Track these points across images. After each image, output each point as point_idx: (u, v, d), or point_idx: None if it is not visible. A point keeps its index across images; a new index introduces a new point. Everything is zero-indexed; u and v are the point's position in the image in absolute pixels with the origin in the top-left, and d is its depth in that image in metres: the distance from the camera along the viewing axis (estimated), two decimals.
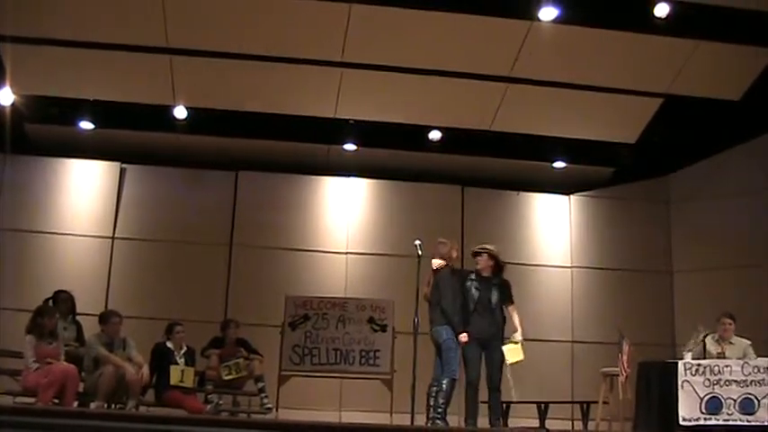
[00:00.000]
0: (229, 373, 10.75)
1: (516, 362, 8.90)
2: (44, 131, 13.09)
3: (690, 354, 9.88)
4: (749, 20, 10.90)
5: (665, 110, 12.77)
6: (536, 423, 11.64)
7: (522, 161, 13.88)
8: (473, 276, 9.10)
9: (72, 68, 11.83)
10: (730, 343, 9.96)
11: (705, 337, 9.96)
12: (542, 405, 11.86)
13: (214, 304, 13.02)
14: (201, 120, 12.74)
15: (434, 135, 13.23)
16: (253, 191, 13.73)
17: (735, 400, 9.11)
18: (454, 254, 9.16)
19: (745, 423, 8.99)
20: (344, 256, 13.82)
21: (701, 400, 9.25)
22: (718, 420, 9.11)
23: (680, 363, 9.55)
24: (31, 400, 8.79)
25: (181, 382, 9.97)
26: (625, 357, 10.44)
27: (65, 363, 9.04)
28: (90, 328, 10.23)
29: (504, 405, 11.06)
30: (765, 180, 13.34)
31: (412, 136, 13.19)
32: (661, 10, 10.69)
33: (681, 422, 9.23)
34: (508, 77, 12.21)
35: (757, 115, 12.73)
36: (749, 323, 11.06)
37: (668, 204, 14.49)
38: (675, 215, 14.40)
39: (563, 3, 10.75)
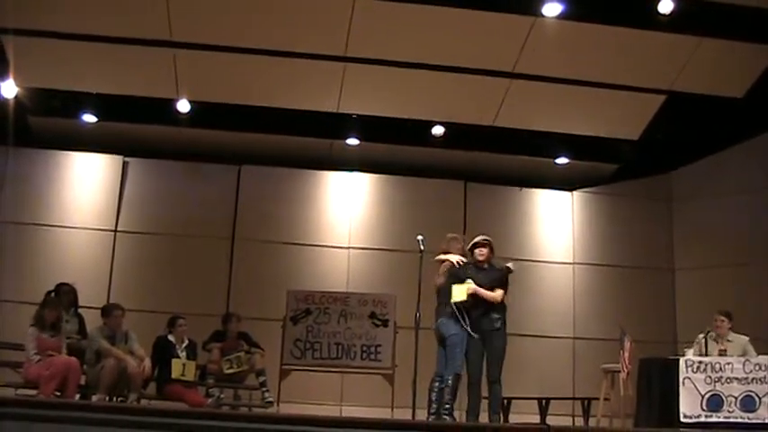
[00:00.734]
0: (231, 367, 10.75)
1: (458, 299, 8.72)
2: (47, 124, 13.09)
3: (691, 351, 9.89)
4: (753, 17, 10.88)
5: (667, 107, 12.76)
6: (537, 419, 11.64)
7: (524, 157, 13.87)
8: (471, 268, 9.01)
9: (75, 61, 11.84)
10: (728, 340, 9.96)
11: (706, 335, 9.97)
12: (543, 401, 11.87)
13: (216, 298, 13.03)
14: (204, 113, 12.74)
15: (437, 130, 13.22)
16: (255, 185, 13.74)
17: (736, 398, 9.12)
18: (464, 250, 9.13)
19: (746, 420, 9.00)
20: (347, 250, 13.83)
21: (702, 397, 9.25)
22: (719, 418, 9.12)
23: (681, 360, 9.56)
24: (33, 392, 8.81)
25: (182, 375, 9.99)
26: (626, 354, 10.45)
27: (66, 355, 9.05)
28: (92, 320, 10.25)
29: (505, 401, 11.08)
30: (767, 178, 13.32)
31: (415, 131, 13.19)
32: (665, 6, 10.67)
33: (682, 419, 9.23)
34: (511, 73, 12.20)
35: (760, 113, 12.72)
36: (750, 321, 11.08)
37: (670, 202, 14.50)
38: (677, 212, 14.41)
39: None
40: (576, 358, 13.78)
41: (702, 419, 9.17)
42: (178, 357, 10.07)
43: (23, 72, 11.82)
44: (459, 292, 8.63)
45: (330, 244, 13.82)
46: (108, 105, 12.59)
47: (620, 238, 14.32)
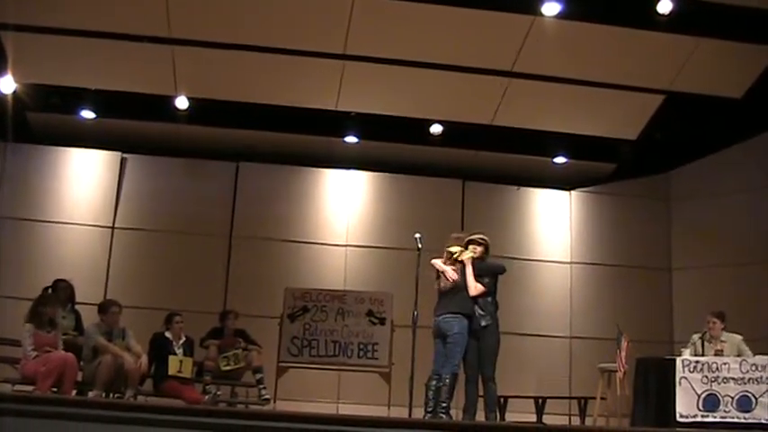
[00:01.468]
0: (228, 364, 10.76)
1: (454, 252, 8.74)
2: (45, 120, 13.08)
3: (687, 351, 9.90)
4: (752, 18, 10.89)
5: (666, 107, 12.77)
6: (533, 418, 11.66)
7: (522, 156, 13.87)
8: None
9: (74, 57, 11.83)
10: (722, 341, 9.97)
11: (702, 336, 9.98)
12: (540, 400, 11.89)
13: (213, 295, 13.03)
14: (203, 110, 12.74)
15: (436, 129, 13.23)
16: (253, 182, 13.75)
17: (732, 398, 9.13)
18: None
19: (743, 420, 9.01)
20: (344, 248, 13.83)
21: (699, 397, 9.27)
22: (715, 417, 9.13)
23: (678, 359, 9.58)
24: (30, 388, 8.79)
25: (179, 372, 9.98)
26: (623, 353, 10.46)
27: (63, 351, 9.05)
28: (89, 317, 10.24)
29: (502, 399, 11.09)
30: (765, 178, 13.33)
31: (413, 129, 13.19)
32: (664, 6, 10.68)
33: (678, 419, 9.25)
34: (510, 72, 12.21)
35: (759, 113, 12.72)
36: (747, 321, 11.10)
37: (668, 201, 14.50)
38: (675, 212, 14.41)
39: None
40: (573, 357, 13.79)
41: (699, 419, 9.19)
42: (175, 354, 10.06)
43: (22, 68, 11.81)
44: (461, 251, 8.65)
45: (328, 242, 13.82)
46: (106, 102, 12.59)
47: (617, 237, 14.33)
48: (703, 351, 9.85)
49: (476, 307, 8.70)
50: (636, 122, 13.20)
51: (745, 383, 9.14)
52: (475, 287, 8.68)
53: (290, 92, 12.52)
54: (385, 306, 11.97)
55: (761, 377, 9.09)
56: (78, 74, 12.19)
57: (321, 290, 12.23)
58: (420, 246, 9.08)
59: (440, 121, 13.17)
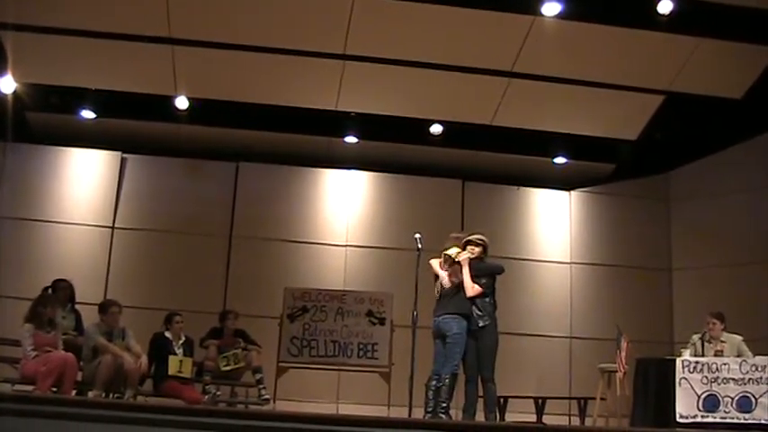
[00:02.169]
0: (227, 364, 10.76)
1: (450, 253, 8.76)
2: (45, 120, 13.08)
3: (687, 352, 9.90)
4: (752, 18, 10.89)
5: (666, 107, 12.77)
6: (533, 418, 11.66)
7: (522, 156, 13.87)
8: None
9: (74, 57, 11.84)
10: (721, 341, 9.97)
11: (702, 336, 9.98)
12: (540, 400, 11.89)
13: (213, 295, 13.03)
14: (203, 110, 12.74)
15: (436, 129, 13.23)
16: (253, 182, 13.75)
17: (732, 398, 9.14)
18: None
19: (743, 421, 9.01)
20: (344, 248, 13.83)
21: (699, 397, 9.27)
22: (715, 418, 9.14)
23: (678, 360, 9.58)
24: (30, 388, 8.79)
25: (179, 372, 9.98)
26: (623, 354, 10.47)
27: (63, 351, 9.05)
28: (89, 317, 10.24)
29: (502, 400, 11.09)
30: (765, 178, 13.33)
31: (413, 129, 13.19)
32: (664, 7, 10.68)
33: (678, 419, 9.25)
34: (510, 72, 12.21)
35: (759, 114, 12.73)
36: (747, 321, 11.10)
37: (668, 202, 14.50)
38: (675, 212, 14.41)
39: None
40: (573, 358, 13.79)
41: (699, 420, 9.19)
42: (175, 354, 10.07)
43: (21, 67, 11.81)
44: (457, 253, 8.65)
45: (327, 242, 13.82)
46: (106, 102, 12.59)
47: (617, 237, 14.33)
48: (703, 351, 9.85)
49: (474, 307, 8.71)
50: (636, 123, 13.20)
51: (745, 384, 9.14)
52: (472, 288, 8.69)
53: (289, 92, 12.53)
54: (385, 306, 11.96)
55: (761, 378, 9.10)
56: (78, 74, 12.19)
57: (321, 290, 12.22)
58: (420, 246, 9.08)
59: (440, 122, 13.17)
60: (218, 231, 13.54)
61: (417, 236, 9.11)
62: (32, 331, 9.01)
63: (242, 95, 12.67)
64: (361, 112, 12.99)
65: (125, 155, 13.52)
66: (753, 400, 9.04)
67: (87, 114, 12.90)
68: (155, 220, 13.37)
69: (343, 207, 13.99)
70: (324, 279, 13.27)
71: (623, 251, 14.24)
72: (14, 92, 12.12)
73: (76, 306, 10.41)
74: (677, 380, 9.42)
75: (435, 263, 8.93)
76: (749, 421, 8.99)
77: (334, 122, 13.12)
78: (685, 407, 9.29)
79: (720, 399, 9.19)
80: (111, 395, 9.31)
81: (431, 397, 8.57)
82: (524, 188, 14.48)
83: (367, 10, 11.10)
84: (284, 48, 11.78)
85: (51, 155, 13.30)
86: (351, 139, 13.54)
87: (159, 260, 13.21)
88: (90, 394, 9.09)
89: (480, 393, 8.78)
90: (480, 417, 8.82)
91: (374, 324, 11.91)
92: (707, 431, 9.01)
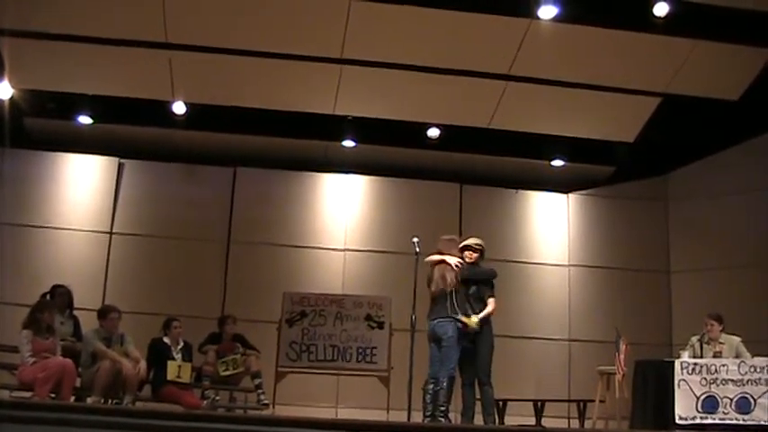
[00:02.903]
0: (226, 369, 10.76)
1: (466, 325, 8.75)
2: (42, 125, 13.09)
3: (686, 354, 9.90)
4: (748, 20, 10.91)
5: (663, 109, 12.78)
6: (532, 421, 11.66)
7: (520, 159, 13.89)
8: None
9: (71, 63, 11.84)
10: (720, 342, 9.96)
11: (701, 338, 9.99)
12: (539, 403, 11.89)
13: (211, 300, 13.02)
14: (200, 115, 12.74)
15: (433, 132, 13.23)
16: (251, 187, 13.74)
17: (731, 400, 9.14)
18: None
19: (741, 422, 9.02)
20: (342, 252, 13.82)
21: (698, 399, 9.28)
22: (714, 419, 9.15)
23: (676, 362, 9.59)
24: (28, 394, 8.78)
25: (178, 377, 9.96)
26: (622, 356, 10.47)
27: (61, 357, 9.04)
28: (87, 322, 10.23)
29: (501, 402, 11.09)
30: (763, 180, 13.34)
31: (410, 133, 13.20)
32: (660, 9, 10.70)
33: (677, 421, 9.26)
34: (507, 75, 12.21)
35: (755, 115, 12.75)
36: (746, 322, 11.09)
37: (666, 203, 14.51)
38: (673, 214, 14.42)
39: (562, 1, 10.75)
40: (572, 360, 13.79)
41: (698, 421, 9.20)
42: (173, 359, 10.05)
43: (19, 73, 11.81)
44: (472, 323, 8.66)
45: (326, 246, 13.81)
46: (103, 107, 12.59)
47: (615, 240, 14.33)
48: (702, 353, 9.86)
49: (469, 311, 8.73)
50: (633, 125, 13.21)
51: (743, 385, 9.15)
52: (492, 311, 8.84)
53: (287, 96, 12.53)
54: (383, 310, 11.97)
55: (759, 378, 9.10)
56: (75, 79, 12.19)
57: (319, 294, 12.22)
58: (418, 250, 9.08)
59: (437, 125, 13.17)
60: (216, 236, 13.54)
61: (415, 239, 9.10)
62: (30, 337, 9.00)
63: (239, 100, 12.67)
64: (359, 115, 12.99)
65: (122, 160, 13.52)
66: (752, 400, 9.05)
67: (84, 120, 12.89)
68: (152, 225, 13.36)
69: (341, 211, 13.99)
70: (322, 283, 13.26)
71: (622, 253, 14.24)
72: (12, 97, 12.12)
73: (75, 312, 10.40)
74: (676, 381, 9.42)
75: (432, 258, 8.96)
76: (748, 422, 9.00)
77: (332, 126, 13.12)
78: (684, 408, 9.29)
79: (719, 400, 9.20)
80: (109, 401, 9.31)
81: (429, 401, 8.58)
82: (522, 191, 14.48)
83: (364, 14, 11.10)
84: (281, 52, 11.79)
85: (49, 160, 13.29)
86: (348, 143, 13.55)
87: (157, 265, 13.20)
88: (89, 400, 9.09)
89: (478, 396, 8.79)
90: (479, 420, 8.82)
91: (373, 328, 11.92)
92: None
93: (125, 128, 13.12)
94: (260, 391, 10.75)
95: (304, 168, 13.93)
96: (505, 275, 9.18)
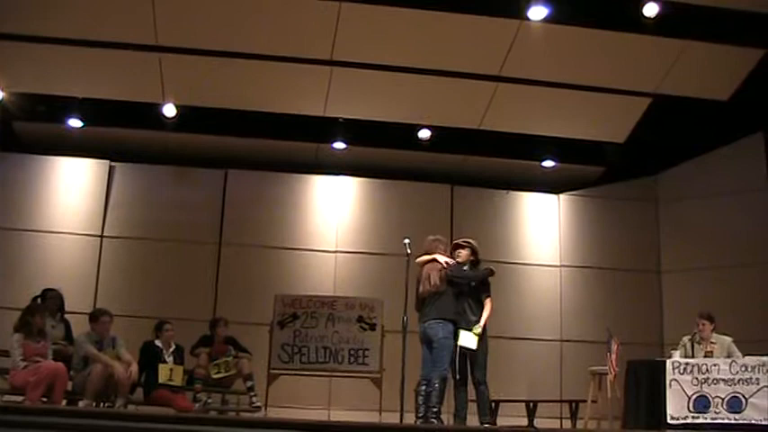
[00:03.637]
0: (218, 372, 10.74)
1: (466, 347, 8.75)
2: (33, 129, 13.06)
3: (677, 353, 9.92)
4: (738, 20, 10.93)
5: (653, 109, 12.81)
6: (525, 422, 11.66)
7: (511, 160, 13.91)
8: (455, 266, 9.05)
9: (61, 66, 11.81)
10: (711, 342, 9.98)
11: (692, 338, 10.01)
12: (531, 404, 11.90)
13: (203, 302, 13.01)
14: (191, 118, 12.72)
15: (424, 134, 13.23)
16: (242, 189, 13.73)
17: (722, 399, 9.16)
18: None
19: (733, 421, 9.03)
20: (333, 254, 13.82)
21: (689, 398, 9.29)
22: (705, 419, 9.16)
23: (668, 361, 9.60)
24: (20, 398, 8.76)
25: (170, 380, 9.95)
26: (613, 356, 10.47)
27: (53, 361, 9.01)
28: (78, 326, 10.20)
29: (493, 403, 11.08)
30: (753, 180, 13.38)
31: (401, 134, 13.20)
32: (650, 10, 10.70)
33: (669, 421, 9.27)
34: (498, 76, 12.22)
35: (745, 115, 12.79)
36: (737, 323, 11.11)
37: (657, 204, 14.54)
38: (664, 214, 14.45)
39: (552, 2, 10.75)
40: (564, 361, 13.80)
41: (689, 421, 9.21)
42: (165, 362, 10.03)
43: (8, 77, 11.78)
44: (469, 340, 8.65)
45: (317, 248, 13.81)
46: (94, 110, 12.56)
47: (606, 240, 14.35)
48: (693, 353, 9.88)
49: (468, 312, 8.74)
50: (623, 125, 13.23)
51: (735, 384, 9.16)
52: (489, 314, 8.83)
53: (277, 98, 12.52)
54: (375, 312, 11.98)
55: (751, 378, 9.12)
56: (65, 82, 12.16)
57: (311, 296, 12.22)
58: (409, 251, 9.08)
59: (428, 126, 13.17)
60: (208, 239, 13.52)
61: (406, 241, 9.10)
62: (21, 341, 8.97)
63: (230, 102, 12.66)
64: (349, 117, 12.99)
65: (113, 163, 13.50)
66: (743, 400, 9.06)
67: (75, 123, 12.86)
68: (143, 228, 13.35)
69: (333, 213, 13.99)
70: (314, 285, 13.26)
71: (612, 254, 14.26)
72: (1, 101, 12.08)
73: (66, 315, 10.37)
74: (668, 381, 9.43)
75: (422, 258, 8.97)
76: (739, 422, 9.01)
77: (323, 128, 13.12)
78: (676, 408, 9.30)
79: (711, 399, 9.21)
80: (101, 404, 9.29)
81: (421, 402, 8.58)
82: (513, 192, 14.50)
83: (354, 16, 11.10)
84: (271, 54, 11.78)
85: (39, 164, 13.26)
86: (339, 145, 13.55)
87: (148, 268, 13.18)
88: (80, 404, 9.05)
89: (471, 397, 8.78)
90: (472, 421, 8.82)
91: (365, 330, 11.93)
92: None
93: (115, 131, 13.10)
94: (252, 393, 10.73)
95: (295, 170, 13.93)
96: (497, 276, 9.14)
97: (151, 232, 13.33)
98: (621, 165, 14.05)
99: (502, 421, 11.44)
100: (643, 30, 11.08)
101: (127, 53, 11.59)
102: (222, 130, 13.09)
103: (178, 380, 10.09)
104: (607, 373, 10.67)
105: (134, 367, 9.50)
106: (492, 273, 9.07)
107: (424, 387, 8.60)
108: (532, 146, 13.49)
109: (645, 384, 9.76)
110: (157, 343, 10.19)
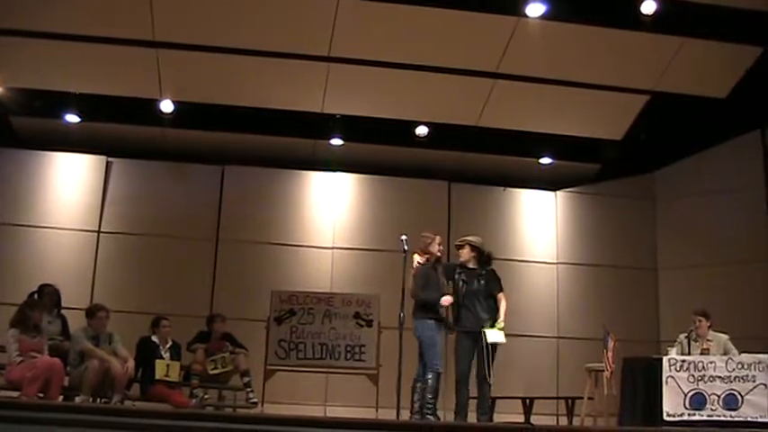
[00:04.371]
0: (215, 368, 10.73)
1: (497, 342, 8.83)
2: (30, 124, 13.04)
3: (674, 351, 9.94)
4: (736, 18, 10.94)
5: (651, 107, 12.81)
6: (521, 418, 11.67)
7: (508, 157, 13.90)
8: (458, 270, 9.12)
9: (58, 61, 11.78)
10: (708, 339, 10.00)
11: (689, 335, 10.02)
12: (527, 400, 11.92)
13: (200, 298, 13.00)
14: (188, 114, 12.71)
15: (421, 130, 13.22)
16: (239, 185, 13.73)
17: (718, 396, 9.18)
18: (435, 248, 9.10)
19: (729, 419, 9.05)
20: (330, 250, 13.82)
21: (685, 395, 9.30)
22: (701, 416, 9.18)
23: (664, 359, 9.61)
24: (16, 393, 8.76)
25: (166, 376, 9.95)
26: (610, 353, 10.50)
27: (49, 356, 9.01)
28: (75, 321, 10.20)
29: (490, 400, 11.09)
30: (750, 178, 13.40)
31: (399, 131, 13.19)
32: (648, 7, 10.71)
33: (665, 418, 9.28)
34: (495, 73, 12.22)
35: (743, 113, 12.79)
36: (733, 320, 11.13)
37: (654, 201, 14.55)
38: (661, 212, 14.46)
39: None
40: (560, 358, 13.82)
41: (685, 418, 9.23)
42: (162, 358, 10.04)
43: (5, 72, 11.77)
44: (497, 336, 8.73)
45: (314, 244, 13.81)
46: (91, 105, 12.54)
47: (603, 237, 14.37)
48: (690, 350, 9.90)
49: (478, 309, 8.81)
50: (621, 123, 13.24)
51: (731, 382, 9.18)
52: (505, 310, 8.95)
53: (274, 94, 12.51)
54: (372, 308, 11.98)
55: (747, 375, 9.14)
56: (62, 77, 12.14)
57: (308, 292, 12.22)
58: (406, 248, 9.09)
59: (425, 123, 13.17)
60: (205, 235, 13.52)
61: (403, 237, 9.11)
62: (18, 336, 8.97)
63: (227, 98, 12.64)
64: (347, 114, 12.98)
65: (110, 159, 13.49)
66: (739, 397, 9.08)
67: (72, 118, 12.85)
68: (140, 223, 13.34)
69: (330, 209, 13.99)
70: (311, 281, 13.26)
71: (609, 251, 14.28)
72: None
73: (62, 311, 10.37)
74: (664, 378, 9.45)
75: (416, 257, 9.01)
76: (735, 419, 9.03)
77: (320, 125, 13.11)
78: (672, 405, 9.32)
79: (707, 397, 9.23)
80: (98, 400, 9.29)
81: (416, 399, 8.60)
82: (510, 189, 14.51)
83: (351, 12, 11.08)
84: (269, 50, 11.77)
85: (36, 159, 13.25)
86: (336, 141, 13.55)
87: (145, 264, 13.17)
88: (77, 399, 9.07)
89: (473, 395, 8.80)
90: (471, 418, 8.83)
91: (361, 326, 11.93)
92: (694, 429, 9.04)
93: (113, 126, 13.08)
94: (249, 389, 10.72)
95: (292, 166, 13.92)
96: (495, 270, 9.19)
97: (148, 228, 13.32)
98: (619, 162, 14.05)
99: (498, 418, 11.45)
100: (641, 27, 11.09)
101: (124, 49, 11.57)
102: (219, 126, 13.08)
103: (175, 376, 10.10)
104: (604, 371, 10.70)
105: (130, 363, 9.51)
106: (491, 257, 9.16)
107: (419, 383, 8.64)
108: (530, 143, 13.48)
109: (641, 381, 9.78)
110: (154, 339, 10.19)
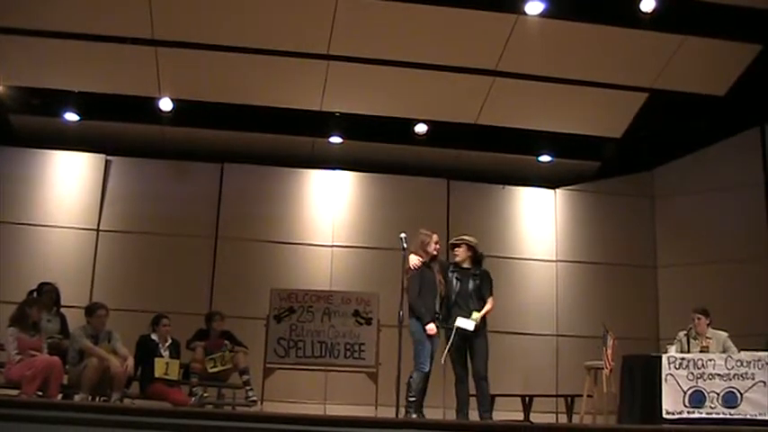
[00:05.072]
0: (214, 366, 10.72)
1: (463, 328, 8.79)
2: (29, 123, 13.03)
3: (673, 348, 9.93)
4: (735, 15, 10.95)
5: (650, 105, 12.80)
6: (521, 416, 11.67)
7: (507, 155, 13.90)
8: (452, 268, 9.10)
9: (57, 59, 11.79)
10: (707, 337, 9.99)
11: (688, 332, 10.02)
12: (527, 398, 11.91)
13: (199, 297, 13.00)
14: (187, 112, 12.71)
15: (420, 128, 13.22)
16: (238, 183, 13.73)
17: (718, 394, 9.18)
18: (432, 247, 9.08)
19: (728, 416, 9.05)
20: (330, 249, 13.82)
21: (685, 393, 9.31)
22: (701, 414, 9.18)
23: (664, 356, 9.62)
24: (15, 392, 8.75)
25: (165, 374, 9.94)
26: (609, 351, 10.51)
27: (48, 355, 9.01)
28: (74, 320, 10.19)
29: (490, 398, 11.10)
30: (749, 175, 13.40)
31: (398, 129, 13.19)
32: (647, 5, 10.72)
33: (664, 415, 9.29)
34: (494, 71, 12.22)
35: (742, 111, 12.80)
36: (732, 318, 11.12)
37: (653, 199, 14.55)
38: (660, 210, 14.46)
39: None
40: (560, 355, 13.82)
41: (685, 415, 9.23)
42: (161, 356, 10.02)
43: (5, 70, 11.77)
44: (466, 322, 8.70)
45: (313, 242, 13.80)
46: (90, 104, 12.55)
47: (602, 235, 14.37)
48: (689, 348, 9.90)
49: (472, 309, 8.79)
50: (620, 120, 13.24)
51: (730, 379, 9.19)
52: (490, 310, 8.90)
53: (274, 92, 12.51)
54: (371, 306, 11.98)
55: (746, 373, 9.14)
56: (61, 76, 12.14)
57: (307, 290, 12.22)
58: (405, 246, 9.08)
59: (424, 121, 13.17)
60: (204, 233, 13.52)
61: (403, 235, 9.10)
62: (17, 334, 8.96)
63: (226, 96, 12.64)
64: (346, 112, 12.99)
65: (109, 157, 13.49)
66: (738, 395, 9.09)
67: (71, 117, 12.85)
68: (140, 222, 13.33)
69: (329, 207, 13.98)
70: (310, 280, 13.26)
71: (609, 249, 14.28)
72: None
73: (62, 309, 10.36)
74: (663, 376, 9.45)
75: (414, 258, 8.99)
76: (735, 416, 9.03)
77: (319, 123, 13.11)
78: (671, 403, 9.33)
79: (706, 394, 9.23)
80: (97, 398, 9.29)
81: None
82: (509, 187, 14.50)
83: (351, 10, 11.09)
84: (268, 48, 11.77)
85: (35, 158, 13.24)
86: (335, 139, 13.55)
87: (144, 262, 13.17)
88: (76, 398, 9.06)
89: (472, 392, 8.80)
90: (473, 416, 8.84)
91: (361, 324, 11.93)
92: (693, 427, 9.04)
93: (112, 124, 13.08)
94: (248, 387, 10.71)
95: (291, 164, 13.92)
96: (493, 271, 9.16)
97: (147, 226, 13.32)
98: (618, 160, 14.06)
99: (498, 416, 11.43)
100: (640, 25, 11.10)
101: (123, 47, 11.57)
102: (218, 124, 13.08)
103: (174, 374, 10.09)
104: (603, 368, 10.71)
105: (130, 361, 9.49)
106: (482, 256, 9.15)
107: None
108: (529, 141, 13.48)
109: (640, 379, 9.78)
110: (153, 337, 10.18)
